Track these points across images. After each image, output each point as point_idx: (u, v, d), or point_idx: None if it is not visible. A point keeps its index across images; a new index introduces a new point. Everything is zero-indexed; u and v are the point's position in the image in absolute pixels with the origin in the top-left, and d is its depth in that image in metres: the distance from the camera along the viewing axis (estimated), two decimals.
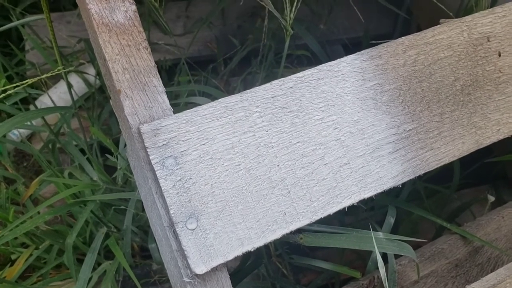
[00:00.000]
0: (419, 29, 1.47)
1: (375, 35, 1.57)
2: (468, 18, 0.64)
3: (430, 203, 1.23)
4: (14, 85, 0.80)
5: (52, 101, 1.09)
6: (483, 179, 1.36)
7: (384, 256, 0.82)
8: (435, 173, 1.15)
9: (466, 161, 0.97)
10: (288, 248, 1.07)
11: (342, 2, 1.57)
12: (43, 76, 0.80)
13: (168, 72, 1.44)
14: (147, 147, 0.51)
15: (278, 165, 0.55)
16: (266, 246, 1.11)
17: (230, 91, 1.43)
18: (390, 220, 0.83)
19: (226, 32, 1.53)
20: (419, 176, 1.18)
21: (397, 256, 0.82)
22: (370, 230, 0.76)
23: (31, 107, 1.27)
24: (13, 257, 1.07)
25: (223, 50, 1.46)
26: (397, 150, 0.59)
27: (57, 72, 0.80)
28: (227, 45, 1.48)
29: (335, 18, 1.53)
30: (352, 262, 1.14)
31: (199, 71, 1.39)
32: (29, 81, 0.75)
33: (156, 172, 0.51)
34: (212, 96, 1.05)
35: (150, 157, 0.51)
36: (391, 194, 1.13)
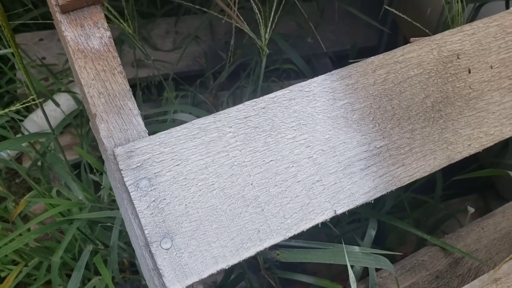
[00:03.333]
0: (405, 41, 1.50)
1: (361, 48, 1.59)
2: (437, 36, 0.66)
3: (417, 214, 1.24)
4: (4, 111, 0.82)
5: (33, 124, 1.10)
6: (471, 189, 1.37)
7: (366, 269, 0.84)
8: (424, 183, 1.17)
9: (455, 171, 0.99)
10: (276, 261, 1.08)
11: (329, 17, 1.59)
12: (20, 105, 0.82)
13: (157, 87, 1.46)
14: (122, 169, 0.52)
15: (251, 184, 0.57)
16: (255, 259, 1.12)
17: (218, 105, 1.45)
18: (371, 232, 0.84)
19: (215, 47, 1.55)
20: (406, 187, 1.19)
21: (379, 268, 0.83)
22: (354, 242, 0.78)
23: (24, 122, 1.29)
24: (2, 274, 1.08)
25: (212, 65, 1.48)
26: (369, 166, 0.60)
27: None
28: (216, 60, 1.50)
29: (322, 32, 1.55)
30: (340, 274, 1.15)
31: (187, 87, 1.41)
32: (13, 108, 0.77)
33: (131, 194, 0.52)
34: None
35: (125, 179, 0.52)
36: (377, 207, 1.14)
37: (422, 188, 1.21)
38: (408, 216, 1.17)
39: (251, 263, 1.05)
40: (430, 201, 1.22)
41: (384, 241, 1.20)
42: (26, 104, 0.82)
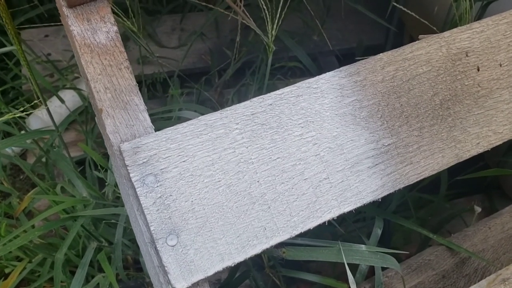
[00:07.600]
0: (411, 39, 1.49)
1: (367, 46, 1.58)
2: (446, 33, 0.65)
3: (422, 213, 1.24)
4: (11, 115, 0.82)
5: (38, 120, 1.10)
6: (476, 190, 1.36)
7: (372, 268, 0.83)
8: (429, 183, 1.16)
9: (460, 171, 0.98)
10: (281, 260, 1.08)
11: (335, 14, 1.58)
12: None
13: (162, 84, 1.46)
14: (128, 165, 0.52)
15: (258, 181, 0.56)
16: (260, 258, 1.12)
17: (223, 103, 1.44)
18: (377, 231, 0.83)
19: (220, 44, 1.54)
20: (411, 187, 1.18)
21: (384, 268, 0.82)
22: (359, 241, 0.77)
23: (29, 118, 1.29)
24: (6, 270, 1.08)
25: (217, 62, 1.48)
26: (376, 164, 0.60)
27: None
28: (221, 57, 1.50)
29: (328, 30, 1.55)
30: (344, 273, 1.15)
31: (192, 84, 1.40)
32: (17, 112, 0.77)
33: (137, 190, 0.52)
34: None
35: (131, 175, 0.52)
36: (382, 206, 1.14)
37: (427, 188, 1.20)
38: (412, 216, 1.17)
39: (256, 261, 1.05)
40: (435, 200, 1.21)
41: (389, 240, 1.20)
42: (33, 108, 0.82)
